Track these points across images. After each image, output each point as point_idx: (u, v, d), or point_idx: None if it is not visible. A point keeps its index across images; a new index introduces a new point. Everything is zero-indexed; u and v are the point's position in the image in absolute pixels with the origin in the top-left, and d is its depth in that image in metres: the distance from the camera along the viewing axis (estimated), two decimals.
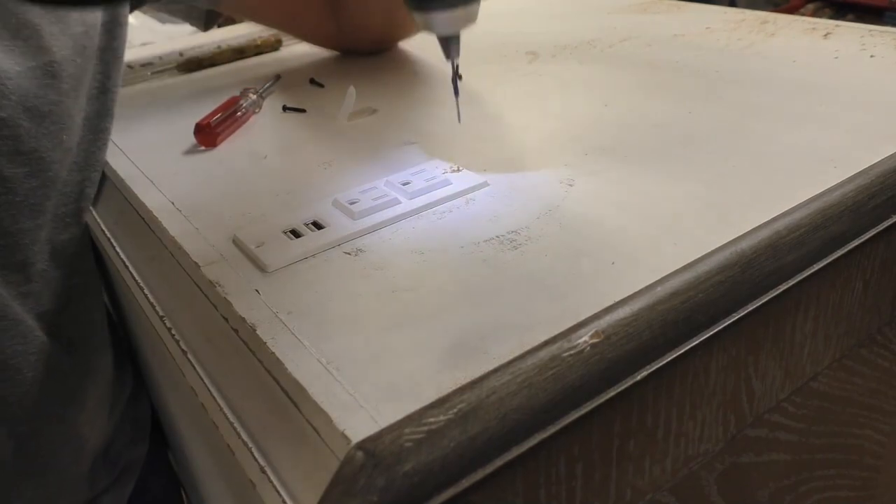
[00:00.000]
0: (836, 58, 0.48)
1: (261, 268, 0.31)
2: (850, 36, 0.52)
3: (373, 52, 0.62)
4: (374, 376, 0.24)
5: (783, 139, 0.38)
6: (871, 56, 0.48)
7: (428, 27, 0.35)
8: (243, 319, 0.28)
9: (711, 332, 0.28)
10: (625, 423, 0.27)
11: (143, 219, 0.39)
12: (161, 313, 0.34)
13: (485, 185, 0.36)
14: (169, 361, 0.33)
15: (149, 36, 0.93)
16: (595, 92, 0.48)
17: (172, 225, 0.36)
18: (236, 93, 0.51)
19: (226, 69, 0.63)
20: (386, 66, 0.59)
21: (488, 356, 0.24)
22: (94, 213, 0.45)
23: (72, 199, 0.43)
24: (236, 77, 0.60)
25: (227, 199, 0.38)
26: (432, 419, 0.22)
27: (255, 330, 0.27)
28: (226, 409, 0.27)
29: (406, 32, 0.62)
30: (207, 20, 0.56)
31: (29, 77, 0.38)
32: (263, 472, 0.24)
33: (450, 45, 0.36)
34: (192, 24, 0.56)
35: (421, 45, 0.63)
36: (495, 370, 0.23)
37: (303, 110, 0.50)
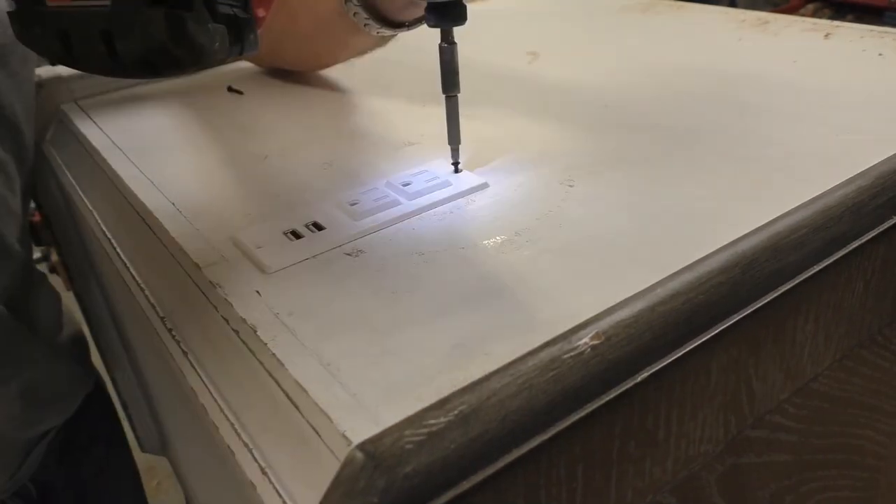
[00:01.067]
0: (836, 58, 0.48)
1: (261, 269, 0.31)
2: (850, 36, 0.52)
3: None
4: (374, 377, 0.24)
5: (783, 139, 0.38)
6: (872, 56, 0.48)
7: None
8: (244, 320, 0.28)
9: (712, 334, 0.28)
10: (625, 425, 0.27)
11: (143, 219, 0.39)
12: (161, 314, 0.34)
13: (485, 185, 0.36)
14: (169, 362, 0.33)
15: None
16: (595, 92, 0.47)
17: (173, 226, 0.36)
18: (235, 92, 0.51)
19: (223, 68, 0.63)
20: (386, 64, 0.59)
21: (489, 357, 0.24)
22: (93, 212, 0.45)
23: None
24: (235, 77, 0.60)
25: (227, 199, 0.38)
26: (433, 421, 0.22)
27: (255, 331, 0.27)
28: (226, 411, 0.27)
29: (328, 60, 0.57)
30: None
31: None
32: (264, 473, 0.24)
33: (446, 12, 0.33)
34: None
35: (421, 44, 0.63)
36: (496, 372, 0.23)
37: (240, 92, 0.52)
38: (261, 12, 0.26)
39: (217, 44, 0.24)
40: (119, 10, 0.23)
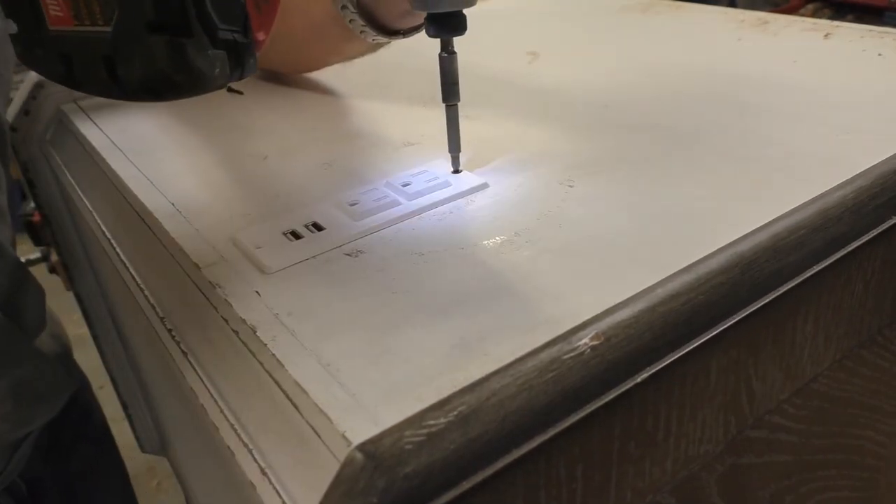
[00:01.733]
0: (836, 58, 0.48)
1: (261, 269, 0.31)
2: (850, 36, 0.52)
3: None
4: (374, 378, 0.24)
5: (783, 140, 0.38)
6: (872, 56, 0.48)
7: (421, 5, 0.33)
8: (243, 321, 0.28)
9: (712, 334, 0.28)
10: (625, 425, 0.27)
11: (142, 219, 0.39)
12: (161, 314, 0.34)
13: (485, 186, 0.36)
14: (169, 363, 0.33)
15: None
16: (595, 92, 0.48)
17: (172, 226, 0.36)
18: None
19: None
20: (386, 66, 0.59)
21: (488, 358, 0.24)
22: (93, 212, 0.45)
23: None
24: None
25: (227, 200, 0.38)
26: (432, 421, 0.22)
27: (255, 331, 0.27)
28: (226, 411, 0.27)
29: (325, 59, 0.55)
30: None
31: None
32: (264, 473, 0.24)
33: (446, 26, 0.33)
34: None
35: (420, 47, 0.63)
36: (495, 372, 0.23)
37: (240, 92, 0.52)
38: (261, 36, 0.26)
39: (217, 69, 0.24)
40: (120, 36, 0.24)
